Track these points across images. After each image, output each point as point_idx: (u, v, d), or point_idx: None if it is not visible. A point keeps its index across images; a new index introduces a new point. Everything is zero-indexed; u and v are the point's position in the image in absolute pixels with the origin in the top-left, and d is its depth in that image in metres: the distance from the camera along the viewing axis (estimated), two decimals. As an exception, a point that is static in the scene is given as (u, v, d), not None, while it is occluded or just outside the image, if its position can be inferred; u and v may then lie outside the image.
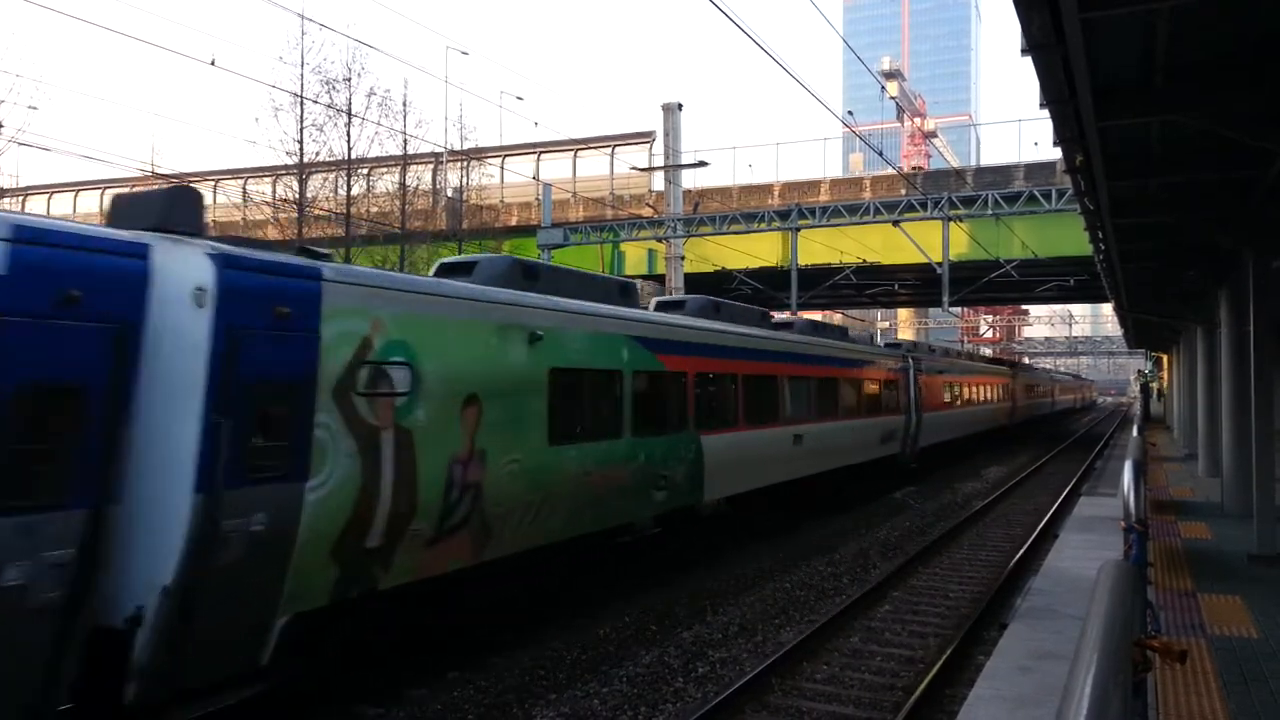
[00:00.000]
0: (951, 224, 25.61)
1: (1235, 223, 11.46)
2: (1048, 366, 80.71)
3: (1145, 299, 23.08)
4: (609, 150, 37.21)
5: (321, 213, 28.02)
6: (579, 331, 9.65)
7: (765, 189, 35.42)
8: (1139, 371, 78.35)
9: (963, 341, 71.82)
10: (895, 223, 25.86)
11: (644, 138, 36.68)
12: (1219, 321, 15.40)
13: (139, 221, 6.16)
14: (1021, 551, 13.65)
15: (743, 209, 31.16)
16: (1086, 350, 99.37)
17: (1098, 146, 8.68)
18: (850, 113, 27.41)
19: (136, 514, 5.45)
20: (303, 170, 27.08)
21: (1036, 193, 23.68)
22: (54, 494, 5.12)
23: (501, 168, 35.20)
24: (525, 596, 9.76)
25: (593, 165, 37.69)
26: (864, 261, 30.51)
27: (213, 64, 16.56)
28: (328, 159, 27.38)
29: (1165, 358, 48.14)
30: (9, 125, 22.72)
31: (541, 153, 37.68)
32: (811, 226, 27.62)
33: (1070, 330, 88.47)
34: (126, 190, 8.25)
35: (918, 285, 37.86)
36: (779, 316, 19.18)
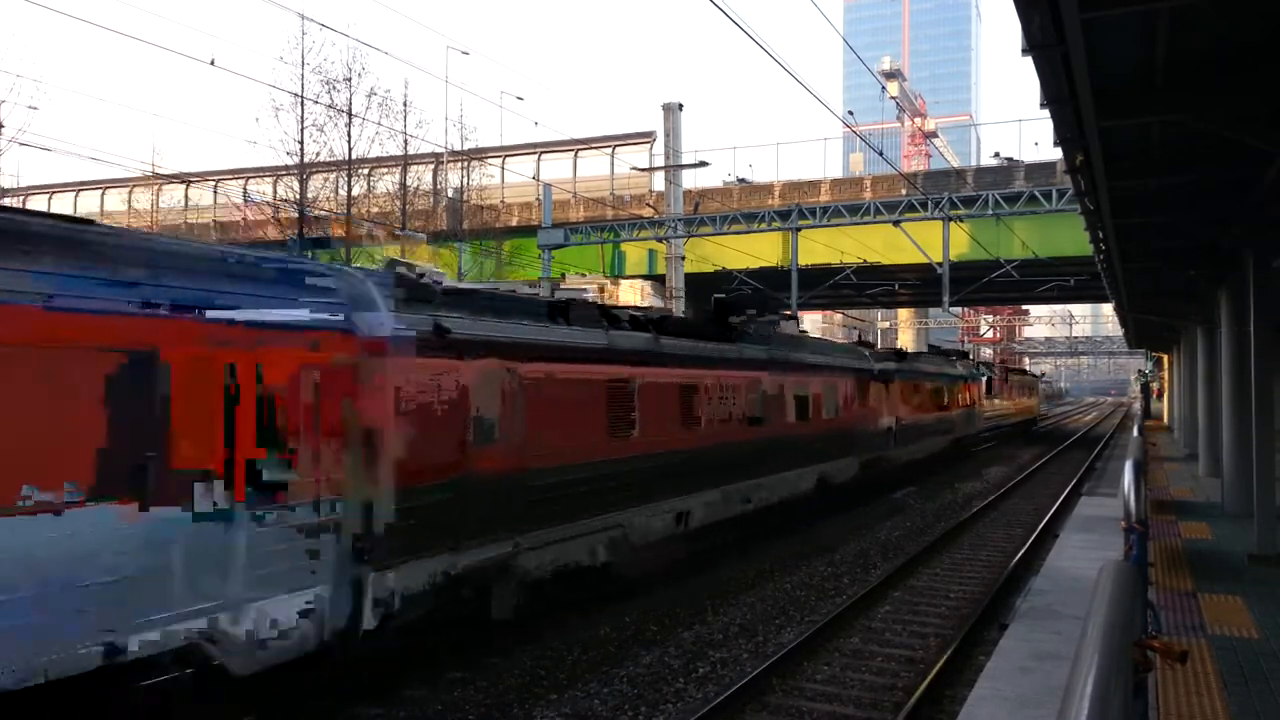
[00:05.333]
0: (952, 224, 25.61)
1: (1235, 222, 11.47)
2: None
3: (1145, 299, 23.09)
4: (609, 150, 37.21)
5: (322, 213, 28.04)
6: None
7: (765, 189, 35.42)
8: (1139, 371, 78.37)
9: (963, 342, 71.86)
10: (896, 223, 25.86)
11: (644, 138, 36.69)
12: (1219, 321, 15.40)
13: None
14: (1022, 551, 13.64)
15: (743, 209, 31.16)
16: (1087, 350, 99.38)
17: (1098, 146, 8.68)
18: (850, 113, 27.43)
19: None
20: (303, 170, 27.10)
21: (1037, 193, 23.69)
22: None
23: (502, 168, 35.21)
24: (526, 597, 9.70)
25: (593, 165, 37.71)
26: (864, 262, 30.49)
27: (213, 64, 16.57)
28: (328, 159, 27.41)
29: (1165, 358, 48.15)
30: (10, 125, 22.76)
31: (542, 153, 37.68)
32: (812, 226, 27.63)
33: (1070, 330, 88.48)
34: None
35: (918, 285, 37.85)
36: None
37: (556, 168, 37.40)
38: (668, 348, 11.54)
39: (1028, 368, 78.97)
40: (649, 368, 10.95)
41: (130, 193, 42.37)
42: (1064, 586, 9.41)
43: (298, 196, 27.42)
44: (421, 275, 8.32)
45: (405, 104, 29.58)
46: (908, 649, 9.23)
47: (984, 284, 31.67)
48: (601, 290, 31.65)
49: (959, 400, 28.64)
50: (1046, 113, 7.93)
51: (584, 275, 32.35)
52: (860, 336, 40.30)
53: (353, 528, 6.75)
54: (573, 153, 37.58)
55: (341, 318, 6.85)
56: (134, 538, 5.39)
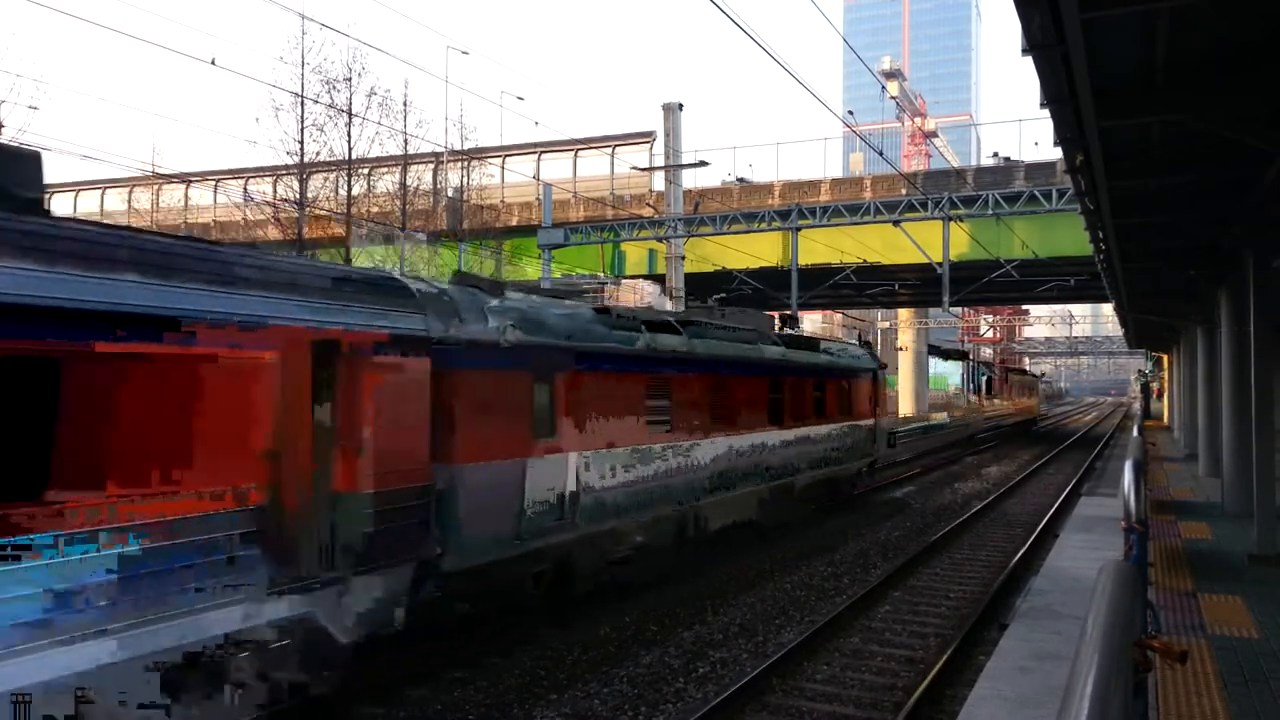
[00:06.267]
0: (952, 224, 25.59)
1: (1235, 222, 11.47)
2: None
3: (1145, 299, 23.09)
4: (609, 150, 37.21)
5: (322, 212, 28.05)
6: None
7: (765, 189, 35.42)
8: (1139, 371, 78.42)
9: (963, 341, 71.87)
10: (895, 223, 25.83)
11: (644, 138, 36.68)
12: (1219, 321, 15.40)
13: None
14: (1022, 551, 13.65)
15: (743, 209, 31.15)
16: (1087, 350, 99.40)
17: (1098, 146, 8.69)
18: (850, 112, 27.44)
19: None
20: (303, 170, 27.09)
21: (1037, 193, 23.67)
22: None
23: (502, 167, 35.21)
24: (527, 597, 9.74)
25: (593, 165, 37.69)
26: (864, 261, 30.48)
27: (213, 64, 16.58)
28: (328, 159, 27.40)
29: (1165, 358, 48.17)
30: (10, 125, 22.73)
31: (542, 153, 37.67)
32: (812, 226, 27.61)
33: (1070, 330, 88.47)
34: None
35: (918, 285, 37.84)
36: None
37: (556, 167, 37.39)
38: None
39: (1028, 367, 79.18)
40: None
41: (130, 193, 42.35)
42: (1064, 586, 9.41)
43: (298, 196, 27.42)
44: None
45: (405, 104, 29.59)
46: (908, 649, 9.23)
47: (984, 284, 31.66)
48: (601, 289, 31.62)
49: (825, 407, 16.90)
50: (1046, 113, 7.94)
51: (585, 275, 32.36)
52: (860, 336, 40.19)
53: None
54: (573, 153, 37.57)
55: None
56: None
